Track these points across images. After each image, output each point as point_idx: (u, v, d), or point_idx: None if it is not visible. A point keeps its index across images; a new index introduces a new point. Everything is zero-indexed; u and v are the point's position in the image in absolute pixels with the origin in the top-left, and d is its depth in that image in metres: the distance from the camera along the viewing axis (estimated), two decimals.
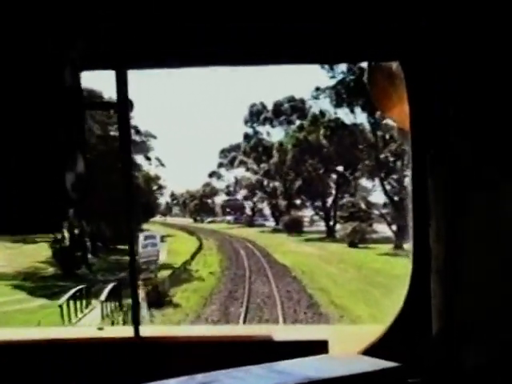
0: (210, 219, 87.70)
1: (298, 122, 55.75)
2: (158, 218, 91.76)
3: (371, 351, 1.64)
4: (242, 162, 72.09)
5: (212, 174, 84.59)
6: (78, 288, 22.19)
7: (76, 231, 32.45)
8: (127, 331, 1.92)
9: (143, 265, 25.16)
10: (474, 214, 1.46)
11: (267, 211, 74.13)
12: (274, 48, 1.63)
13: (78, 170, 0.95)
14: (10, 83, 0.87)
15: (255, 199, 74.78)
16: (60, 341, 1.96)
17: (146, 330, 1.92)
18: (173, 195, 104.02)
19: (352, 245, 41.86)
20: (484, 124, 1.46)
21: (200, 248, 43.49)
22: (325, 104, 54.45)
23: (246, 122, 69.69)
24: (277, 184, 64.22)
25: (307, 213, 62.84)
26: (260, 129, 68.72)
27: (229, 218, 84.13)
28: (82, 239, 35.05)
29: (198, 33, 1.51)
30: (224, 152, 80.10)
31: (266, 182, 67.38)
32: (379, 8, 1.57)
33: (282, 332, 2.13)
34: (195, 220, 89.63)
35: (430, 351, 1.54)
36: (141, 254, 25.24)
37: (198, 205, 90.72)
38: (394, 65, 1.67)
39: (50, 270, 31.48)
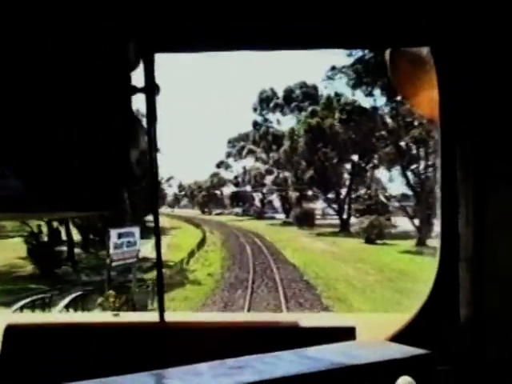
0: (218, 211, 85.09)
1: (310, 109, 51.03)
2: (164, 209, 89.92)
3: (399, 338, 1.64)
4: (250, 152, 68.03)
5: (220, 164, 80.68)
6: (38, 297, 18.26)
7: (56, 224, 28.44)
8: (152, 317, 1.87)
9: (115, 270, 20.97)
10: (503, 203, 1.47)
11: (277, 203, 70.39)
12: (304, 29, 1.56)
13: (142, 146, 0.99)
14: (75, 64, 0.89)
15: (264, 190, 70.92)
16: (84, 325, 1.95)
17: (172, 316, 1.87)
18: (180, 186, 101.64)
19: (369, 241, 37.65)
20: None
21: (202, 243, 39.42)
22: (341, 86, 50.30)
23: (254, 110, 65.67)
24: (287, 174, 60.16)
25: (319, 205, 58.65)
26: (270, 117, 64.92)
27: (237, 209, 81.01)
28: (68, 232, 31.05)
29: (225, 14, 1.50)
30: (232, 141, 76.28)
31: (275, 173, 63.24)
32: None
33: (309, 319, 2.02)
34: (203, 212, 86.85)
35: (457, 339, 1.56)
36: (112, 256, 20.93)
37: (206, 196, 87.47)
38: (421, 50, 1.62)
39: (29, 268, 27.50)
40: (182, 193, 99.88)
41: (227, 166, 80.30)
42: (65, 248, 30.06)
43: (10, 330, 1.83)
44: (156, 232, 1.76)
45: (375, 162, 48.79)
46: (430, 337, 1.59)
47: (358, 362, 1.41)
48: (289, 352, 1.46)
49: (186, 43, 1.56)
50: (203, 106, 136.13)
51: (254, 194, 75.80)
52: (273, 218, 66.75)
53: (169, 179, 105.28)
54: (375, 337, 1.70)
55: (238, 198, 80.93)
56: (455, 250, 1.55)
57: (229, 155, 77.79)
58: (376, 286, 23.51)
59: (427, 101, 1.62)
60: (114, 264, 21.27)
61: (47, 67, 0.88)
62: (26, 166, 0.88)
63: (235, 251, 35.07)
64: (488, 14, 1.42)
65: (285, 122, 64.60)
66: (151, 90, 1.45)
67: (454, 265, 1.56)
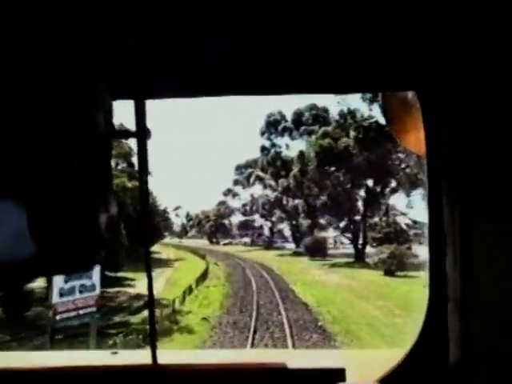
0: (226, 241, 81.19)
1: (321, 130, 47.15)
2: (172, 240, 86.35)
3: (388, 380, 1.65)
4: (258, 178, 64.15)
5: (227, 192, 76.88)
6: None
7: None
8: (144, 356, 1.85)
9: (59, 325, 15.85)
10: (489, 241, 1.46)
11: (287, 232, 66.25)
12: (294, 75, 1.61)
13: (111, 211, 1.01)
14: (45, 124, 0.89)
15: (274, 219, 66.81)
16: (74, 368, 1.85)
17: (164, 356, 1.85)
18: (188, 216, 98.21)
19: (389, 273, 33.26)
20: (503, 153, 1.47)
21: (203, 277, 35.15)
22: (355, 101, 46.55)
23: (262, 134, 62.12)
24: (297, 202, 56.13)
25: (331, 233, 54.30)
26: (278, 141, 61.22)
27: (246, 239, 76.95)
28: None
29: (214, 61, 1.55)
30: (240, 168, 72.47)
31: (285, 200, 59.20)
32: (394, 38, 1.58)
33: (297, 357, 2.11)
34: (211, 242, 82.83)
35: (446, 380, 1.56)
36: (56, 306, 15.47)
37: (214, 226, 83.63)
38: (409, 93, 1.71)
39: None
40: (190, 223, 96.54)
41: (235, 194, 76.44)
42: (39, 284, 25.85)
43: None
44: (148, 269, 1.76)
45: (393, 185, 44.61)
46: (420, 378, 1.60)
47: None
48: None
49: (176, 88, 1.61)
50: (210, 132, 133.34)
51: (263, 223, 71.85)
52: (282, 247, 62.96)
53: (176, 209, 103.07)
54: (365, 377, 1.70)
55: (246, 228, 76.93)
56: (443, 290, 1.55)
57: (236, 183, 74.02)
58: (406, 330, 19.12)
59: (415, 139, 1.66)
60: (59, 317, 15.95)
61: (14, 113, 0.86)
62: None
63: (239, 286, 30.90)
64: (471, 57, 1.45)
65: (294, 147, 60.80)
66: (143, 134, 1.47)
67: (442, 305, 1.56)
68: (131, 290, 31.05)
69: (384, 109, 1.98)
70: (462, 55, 1.47)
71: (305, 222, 51.95)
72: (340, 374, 1.70)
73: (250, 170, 67.77)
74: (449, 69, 1.50)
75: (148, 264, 1.74)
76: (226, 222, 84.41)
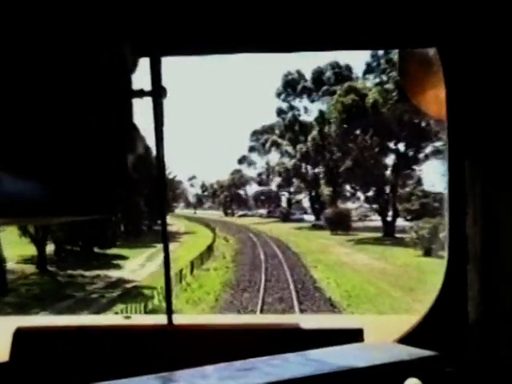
0: (241, 213, 76.35)
1: (345, 85, 40.07)
2: (186, 211, 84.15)
3: (407, 340, 1.63)
4: (274, 144, 57.43)
5: (242, 160, 70.21)
6: None
7: None
8: (160, 319, 1.87)
9: None
10: (510, 202, 1.45)
11: (306, 203, 60.01)
12: (311, 31, 1.57)
13: (138, 150, 1.02)
14: (71, 68, 0.90)
15: (291, 189, 60.37)
16: (93, 328, 1.92)
17: (180, 319, 1.88)
18: (203, 186, 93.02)
19: (429, 253, 26.66)
20: None
21: (206, 256, 28.96)
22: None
23: (279, 95, 55.07)
24: (317, 170, 49.58)
25: (355, 205, 47.61)
26: (296, 103, 54.22)
27: (262, 211, 71.02)
28: None
29: (231, 18, 1.52)
30: (256, 134, 65.73)
31: (304, 168, 52.68)
32: None
33: (317, 321, 2.06)
34: (226, 213, 76.88)
35: (466, 340, 1.55)
36: None
37: (229, 196, 77.65)
38: (429, 51, 1.62)
39: None
40: (206, 193, 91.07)
41: (250, 163, 69.81)
42: None
43: (19, 333, 1.83)
44: (164, 235, 1.80)
45: (428, 150, 37.76)
46: (439, 338, 1.58)
47: (365, 364, 1.41)
48: (296, 354, 1.46)
49: (192, 46, 1.57)
50: (225, 96, 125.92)
51: (280, 194, 65.34)
52: (301, 220, 57.37)
53: (191, 179, 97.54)
54: (383, 339, 1.71)
55: (262, 198, 70.53)
56: (463, 250, 1.54)
57: (252, 149, 67.33)
58: None
59: (434, 101, 1.63)
60: None
61: (43, 70, 0.87)
62: (22, 170, 0.87)
63: (245, 270, 24.72)
64: (494, 13, 1.41)
65: (313, 111, 53.96)
66: (158, 93, 1.47)
67: (462, 265, 1.55)
68: (115, 274, 25.12)
69: (399, 68, 1.84)
70: (486, 9, 1.41)
71: (326, 192, 45.27)
72: (358, 333, 1.73)
73: (266, 136, 61.00)
74: (472, 23, 1.44)
75: (164, 230, 1.79)
76: (242, 192, 78.57)
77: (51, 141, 0.86)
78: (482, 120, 1.45)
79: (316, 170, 50.63)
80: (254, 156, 67.44)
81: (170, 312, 1.78)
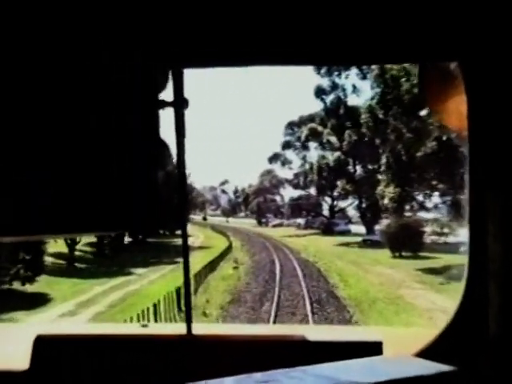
0: (275, 222, 62.47)
1: None
2: (218, 219, 74.55)
3: (426, 354, 1.60)
4: (313, 133, 43.15)
5: (273, 158, 56.02)
6: None
7: None
8: (179, 328, 1.88)
9: None
10: None
11: (352, 211, 45.80)
12: (335, 45, 1.58)
13: (168, 167, 1.04)
14: (102, 84, 0.92)
15: (335, 193, 46.15)
16: (112, 337, 1.93)
17: (199, 328, 1.88)
18: (236, 192, 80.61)
19: None
20: None
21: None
22: None
23: (318, 70, 40.91)
24: (371, 167, 35.55)
25: (430, 215, 32.53)
26: (341, 80, 40.03)
27: (299, 220, 56.87)
28: None
29: (249, 32, 1.54)
30: (291, 127, 51.74)
31: (351, 165, 38.64)
32: (437, 6, 1.50)
33: (336, 333, 2.13)
34: (260, 223, 63.30)
35: (486, 355, 1.52)
36: None
37: (262, 203, 64.07)
38: (450, 65, 1.62)
39: None
40: (239, 199, 78.31)
41: (284, 161, 55.67)
42: None
43: (40, 340, 1.81)
44: (184, 245, 1.82)
45: None
46: (458, 353, 1.55)
47: (384, 377, 1.39)
48: (315, 366, 1.44)
49: (212, 58, 1.58)
50: (257, 86, 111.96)
51: (321, 199, 51.03)
52: (346, 232, 43.56)
53: (223, 183, 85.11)
54: (402, 352, 1.67)
55: (298, 205, 56.14)
56: (484, 265, 1.51)
57: (287, 145, 53.25)
58: None
59: (456, 115, 1.60)
60: None
61: (74, 84, 0.89)
62: (46, 186, 0.88)
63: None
64: None
65: (365, 90, 39.82)
66: (180, 104, 1.48)
67: (483, 280, 1.52)
68: None
69: (421, 84, 1.79)
70: (507, 23, 1.39)
71: (387, 193, 30.44)
72: (377, 346, 1.72)
73: (304, 129, 47.04)
74: (494, 37, 1.43)
75: (185, 241, 1.82)
76: (278, 198, 64.72)
77: (76, 157, 0.86)
78: (503, 134, 1.42)
79: (369, 167, 36.56)
80: (290, 153, 53.36)
81: (189, 321, 1.78)
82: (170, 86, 1.44)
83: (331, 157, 40.40)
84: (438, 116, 1.75)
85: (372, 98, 31.31)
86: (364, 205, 39.42)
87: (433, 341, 1.62)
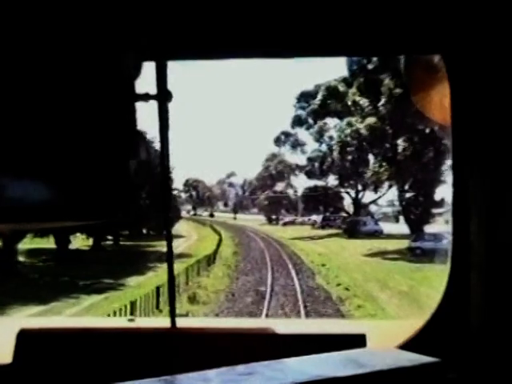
0: (286, 219, 50.92)
1: None
2: (224, 215, 65.93)
3: (409, 346, 1.62)
4: (331, 94, 30.22)
5: (280, 139, 42.94)
6: None
7: None
8: (163, 322, 1.93)
9: None
10: None
11: (388, 208, 33.07)
12: (317, 37, 1.60)
13: (141, 157, 1.04)
14: (74, 72, 0.90)
15: (361, 183, 33.44)
16: (96, 330, 1.94)
17: (183, 322, 1.91)
18: (244, 185, 69.05)
19: None
20: None
21: None
22: None
23: None
24: (416, 140, 22.75)
25: None
26: None
27: (315, 217, 44.73)
28: None
29: (235, 24, 1.55)
30: (304, 98, 38.90)
31: (389, 139, 25.75)
32: (421, 0, 1.54)
33: (321, 325, 2.13)
34: (270, 220, 51.31)
35: (468, 347, 1.55)
36: None
37: (273, 197, 51.35)
38: (434, 58, 1.64)
39: None
40: (246, 193, 66.62)
41: (294, 144, 42.60)
42: None
43: (23, 334, 1.81)
44: (168, 236, 1.82)
45: None
46: (441, 344, 1.56)
47: (368, 369, 1.40)
48: (298, 359, 1.45)
49: (197, 50, 1.59)
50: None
51: (343, 190, 38.06)
52: (377, 233, 32.29)
53: (229, 176, 73.35)
54: (386, 344, 1.69)
55: (313, 198, 43.00)
56: (467, 256, 1.53)
57: (297, 122, 40.23)
58: None
59: (439, 107, 1.62)
60: None
61: (47, 75, 0.88)
62: (26, 175, 0.88)
63: None
64: (498, 21, 1.41)
65: None
66: (163, 96, 1.48)
67: (465, 272, 1.54)
68: None
69: (405, 75, 1.79)
70: (490, 16, 1.41)
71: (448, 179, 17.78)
72: (361, 339, 1.72)
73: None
74: (477, 30, 1.45)
75: (169, 233, 1.83)
76: (291, 191, 51.93)
77: (55, 146, 0.87)
78: (486, 126, 1.43)
79: (415, 139, 23.71)
80: (302, 133, 40.40)
81: (173, 315, 1.79)
82: (153, 78, 1.43)
83: (359, 124, 27.46)
84: (422, 107, 1.72)
85: None
86: (408, 195, 26.54)
87: (416, 333, 1.62)
